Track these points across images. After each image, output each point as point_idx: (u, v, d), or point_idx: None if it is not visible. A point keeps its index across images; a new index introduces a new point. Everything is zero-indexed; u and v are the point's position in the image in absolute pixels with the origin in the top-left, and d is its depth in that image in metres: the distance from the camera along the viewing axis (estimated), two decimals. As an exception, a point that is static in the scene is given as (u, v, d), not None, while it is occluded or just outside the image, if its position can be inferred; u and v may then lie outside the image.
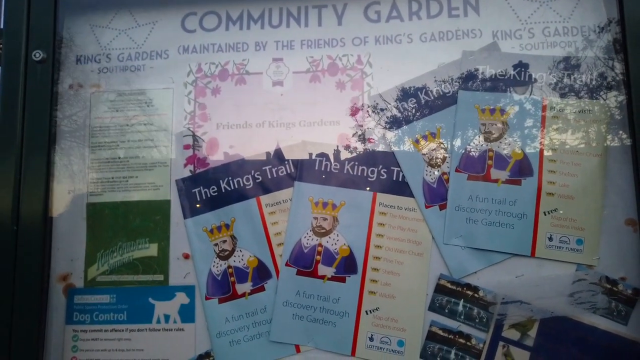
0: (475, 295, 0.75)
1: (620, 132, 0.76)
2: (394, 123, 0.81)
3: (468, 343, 0.74)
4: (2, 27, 0.83)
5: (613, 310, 0.73)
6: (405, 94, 0.82)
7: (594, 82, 0.78)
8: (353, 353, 0.75)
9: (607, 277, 0.74)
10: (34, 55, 0.82)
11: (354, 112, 0.82)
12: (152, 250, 0.81)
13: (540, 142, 0.77)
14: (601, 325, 0.73)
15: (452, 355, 0.73)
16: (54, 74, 0.82)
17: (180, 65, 0.86)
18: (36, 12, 0.83)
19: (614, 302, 0.73)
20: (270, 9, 0.87)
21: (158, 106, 0.85)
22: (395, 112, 0.81)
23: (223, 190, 0.81)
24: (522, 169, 0.77)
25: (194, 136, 0.83)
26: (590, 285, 0.74)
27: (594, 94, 0.77)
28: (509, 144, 0.78)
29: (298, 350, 0.76)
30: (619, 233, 0.74)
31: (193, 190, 0.81)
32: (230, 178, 0.81)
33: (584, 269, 0.74)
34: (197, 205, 0.81)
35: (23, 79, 0.81)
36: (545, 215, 0.75)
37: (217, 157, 0.82)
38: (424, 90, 0.82)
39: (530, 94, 0.79)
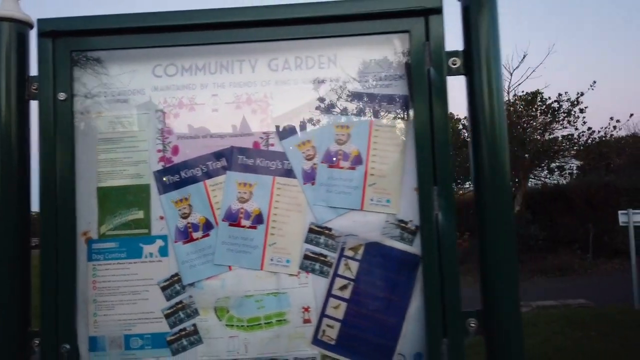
0: (330, 232, 1.32)
1: (412, 137, 1.34)
2: (285, 135, 1.36)
3: (326, 259, 1.31)
4: (36, 73, 1.32)
5: (405, 237, 1.32)
6: (292, 116, 1.37)
7: (399, 109, 1.35)
8: (262, 268, 1.31)
9: (403, 220, 1.33)
10: (59, 95, 1.31)
11: (262, 128, 1.36)
12: (140, 214, 1.34)
13: (368, 145, 1.34)
14: (397, 246, 1.32)
15: (317, 266, 1.31)
16: (72, 108, 1.32)
17: (153, 99, 1.37)
18: (59, 62, 1.33)
19: (405, 233, 1.32)
20: (210, 62, 1.39)
21: (140, 125, 1.36)
22: (285, 127, 1.36)
23: (183, 178, 1.34)
24: (357, 160, 1.34)
25: (163, 144, 1.36)
26: (393, 225, 1.33)
27: (399, 116, 1.35)
28: (350, 146, 1.34)
29: (230, 269, 1.32)
30: (410, 195, 1.33)
31: (164, 178, 1.34)
32: (187, 170, 1.35)
33: (391, 216, 1.33)
34: (167, 187, 1.34)
35: (53, 113, 1.31)
36: (369, 186, 1.33)
37: (178, 158, 1.35)
38: (306, 113, 1.37)
39: (363, 117, 1.35)
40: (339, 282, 1.31)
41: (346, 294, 1.30)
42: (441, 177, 1.29)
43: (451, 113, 20.03)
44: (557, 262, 14.11)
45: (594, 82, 15.24)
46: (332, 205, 1.33)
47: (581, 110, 15.12)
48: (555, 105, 15.22)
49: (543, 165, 16.14)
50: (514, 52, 23.46)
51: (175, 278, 1.32)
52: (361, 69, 1.37)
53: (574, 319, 7.36)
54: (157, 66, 1.38)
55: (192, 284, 1.31)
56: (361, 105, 1.36)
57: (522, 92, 15.89)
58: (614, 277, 11.50)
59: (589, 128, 15.18)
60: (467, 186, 19.35)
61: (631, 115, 19.22)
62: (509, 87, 16.96)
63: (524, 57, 19.99)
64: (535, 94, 15.30)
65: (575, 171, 17.96)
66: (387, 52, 1.37)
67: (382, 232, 1.32)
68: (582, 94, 14.95)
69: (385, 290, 1.30)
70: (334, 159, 1.34)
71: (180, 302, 1.31)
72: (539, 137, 15.61)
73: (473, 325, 1.27)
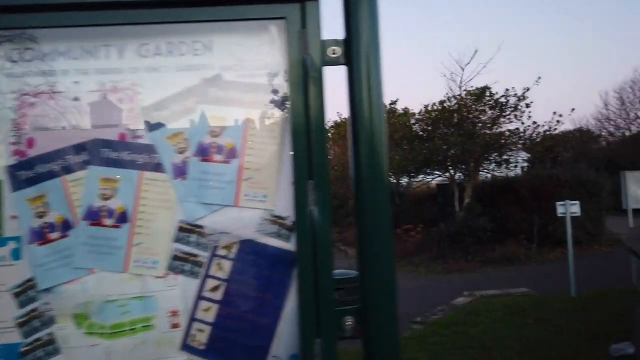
0: (202, 230, 1.24)
1: (290, 130, 1.28)
2: (155, 126, 1.26)
3: (197, 259, 1.23)
4: None
5: (282, 234, 1.26)
6: (163, 106, 1.27)
7: (277, 100, 1.28)
8: (126, 270, 1.22)
9: (280, 215, 1.27)
10: None
11: (129, 119, 1.26)
12: (-9, 214, 1.21)
13: (243, 137, 1.27)
14: (273, 243, 1.26)
15: (187, 267, 1.23)
16: None
17: (6, 86, 1.25)
18: None
19: (282, 229, 1.26)
20: (73, 46, 1.27)
21: (-10, 116, 1.24)
22: (155, 117, 1.27)
23: (39, 173, 1.23)
24: (231, 154, 1.26)
25: (17, 136, 1.23)
26: (270, 221, 1.26)
27: (277, 107, 1.28)
28: (225, 138, 1.26)
29: (92, 272, 1.22)
30: (288, 190, 1.26)
31: (17, 173, 1.22)
32: (44, 164, 1.23)
33: (268, 211, 1.26)
34: (20, 183, 1.22)
35: None
36: (244, 181, 1.26)
37: (34, 151, 1.23)
38: (178, 103, 1.27)
39: (240, 108, 1.28)
40: (211, 283, 1.23)
41: (218, 295, 1.23)
42: (317, 170, 1.24)
43: (405, 108, 20.33)
44: (505, 253, 14.61)
45: (539, 77, 15.76)
46: (204, 201, 1.25)
47: (527, 105, 15.65)
48: (503, 100, 15.69)
49: (491, 158, 16.63)
50: (466, 48, 23.95)
51: (30, 283, 1.20)
52: (238, 57, 1.29)
53: (515, 307, 7.62)
54: (13, 50, 1.26)
55: (48, 289, 1.20)
56: (237, 95, 1.28)
57: (472, 87, 16.29)
58: (556, 266, 12.01)
59: (534, 122, 15.74)
60: (420, 179, 19.71)
61: (572, 109, 20.03)
62: (460, 83, 17.35)
63: (475, 53, 20.45)
64: (484, 89, 15.72)
65: (523, 164, 18.62)
66: (264, 39, 1.29)
67: (258, 229, 1.25)
68: (527, 89, 15.47)
69: (260, 290, 1.24)
70: (208, 152, 1.26)
71: (35, 309, 1.20)
72: (487, 131, 16.06)
73: (349, 323, 1.23)
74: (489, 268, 13.39)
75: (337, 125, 22.52)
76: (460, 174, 17.24)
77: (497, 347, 5.77)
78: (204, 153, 1.26)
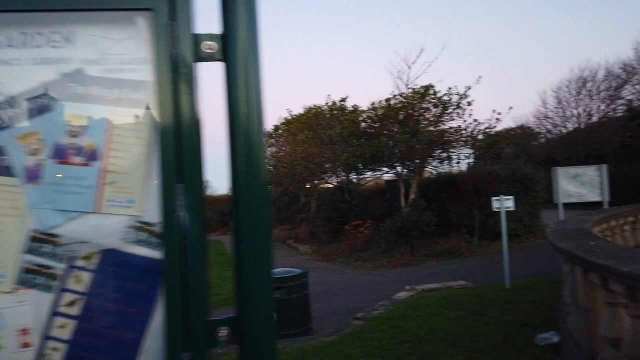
0: (58, 240, 1.13)
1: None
2: (4, 125, 1.14)
3: (51, 272, 1.12)
4: None
5: (151, 242, 1.17)
6: (15, 103, 1.15)
7: (145, 98, 1.19)
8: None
9: (148, 222, 1.18)
10: None
11: (-26, 116, 1.13)
12: None
13: (107, 138, 1.17)
14: (140, 252, 1.17)
15: (40, 281, 1.12)
16: None
17: None
18: None
19: (152, 237, 1.17)
20: None
21: None
22: (3, 115, 1.14)
23: None
24: (93, 156, 1.16)
25: None
26: (137, 228, 1.17)
27: (145, 105, 1.18)
28: (86, 139, 1.16)
29: None
30: (158, 195, 1.18)
31: None
32: None
33: (135, 218, 1.17)
34: None
35: None
36: (108, 185, 1.16)
37: None
38: (33, 100, 1.16)
39: (104, 106, 1.17)
40: (68, 297, 1.13)
41: (75, 310, 1.12)
42: (188, 174, 1.16)
43: (355, 105, 20.48)
44: (448, 246, 15.03)
45: (480, 77, 16.31)
46: (61, 208, 1.14)
47: (469, 104, 16.15)
48: (446, 98, 16.11)
49: (435, 155, 17.06)
50: (412, 47, 24.44)
51: None
52: (102, 51, 1.19)
53: (452, 300, 7.83)
54: None
55: None
56: (101, 92, 1.18)
57: (416, 85, 16.63)
58: (495, 258, 12.48)
59: (476, 120, 16.27)
60: (367, 176, 19.94)
61: (510, 108, 20.88)
62: (407, 81, 17.67)
63: (421, 52, 20.93)
64: (428, 87, 16.08)
65: (466, 161, 19.23)
66: (131, 32, 1.19)
67: (123, 238, 1.16)
68: (469, 88, 15.96)
69: (124, 303, 1.15)
70: (65, 154, 1.15)
71: None
72: (432, 128, 16.45)
73: (223, 334, 1.16)
74: (432, 262, 13.74)
75: (287, 122, 22.41)
76: (406, 170, 17.57)
77: (430, 341, 5.89)
78: (61, 155, 1.15)
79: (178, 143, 1.16)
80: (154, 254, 1.17)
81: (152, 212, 1.17)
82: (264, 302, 1.18)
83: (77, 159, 1.16)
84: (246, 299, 1.18)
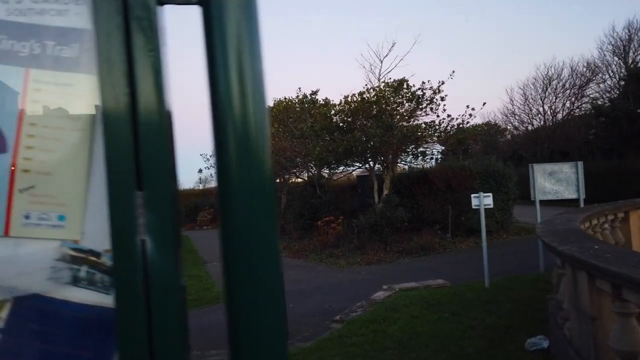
0: (-60, 282, 0.70)
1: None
2: None
3: None
4: None
5: (98, 281, 0.75)
6: None
7: (81, 55, 0.76)
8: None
9: (92, 249, 0.76)
10: None
11: None
12: None
13: (18, 116, 0.73)
14: (80, 297, 0.74)
15: None
16: None
17: None
18: None
19: (97, 273, 0.75)
20: None
21: None
22: None
23: None
24: (-5, 145, 0.72)
25: None
26: (71, 260, 0.74)
27: (80, 67, 0.76)
28: (-16, 119, 0.72)
29: None
30: (105, 207, 0.75)
31: None
32: None
33: (69, 243, 0.75)
34: None
35: None
36: (22, 192, 0.73)
37: None
38: None
39: (12, 65, 0.74)
40: (-47, 375, 0.69)
41: (-33, 397, 0.69)
42: (153, 174, 0.74)
43: (326, 98, 20.08)
44: (421, 243, 14.91)
45: (453, 71, 16.18)
46: (-58, 230, 0.70)
47: (442, 99, 16.02)
48: (420, 93, 15.93)
49: (408, 150, 16.89)
50: (384, 40, 24.16)
51: None
52: (13, -21, 0.75)
53: (432, 300, 7.59)
54: None
55: None
56: (7, 45, 0.74)
57: (390, 79, 16.39)
58: (470, 255, 12.40)
59: (449, 115, 16.17)
60: (340, 171, 19.63)
61: (484, 104, 21.05)
62: (379, 75, 17.43)
63: (392, 45, 20.72)
64: (402, 81, 15.85)
65: (437, 156, 19.21)
66: (61, -50, 0.76)
67: (50, 276, 0.73)
68: (443, 83, 15.82)
69: (50, 380, 0.72)
70: (-50, 141, 0.71)
71: None
72: (405, 123, 16.26)
73: None
74: (406, 258, 13.55)
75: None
76: (379, 165, 17.34)
77: (414, 346, 5.60)
78: (-57, 144, 0.71)
79: (134, 126, 0.74)
80: (101, 299, 0.75)
81: (96, 235, 0.75)
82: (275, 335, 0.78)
83: (-29, 151, 0.72)
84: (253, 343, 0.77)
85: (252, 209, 0.78)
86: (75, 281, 0.74)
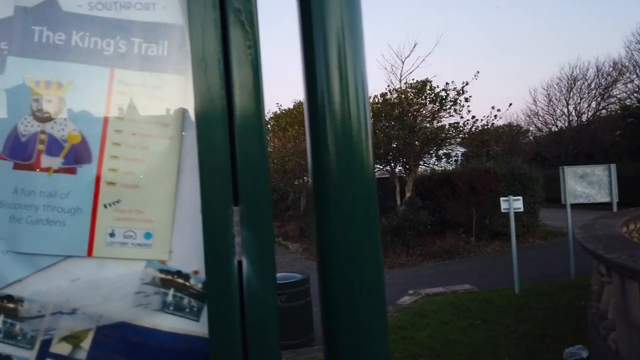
0: (20, 307, 0.63)
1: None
2: None
3: (4, 366, 0.61)
4: None
5: (188, 307, 0.67)
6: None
7: (170, 54, 0.68)
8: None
9: (180, 271, 0.68)
10: None
11: None
12: None
13: (103, 122, 0.66)
14: (169, 326, 0.66)
15: (-17, 384, 0.61)
16: None
17: None
18: None
19: (187, 297, 0.67)
20: None
21: None
22: None
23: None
24: (78, 154, 0.65)
25: None
26: (160, 283, 0.67)
27: (169, 67, 0.68)
28: (65, 125, 0.65)
29: None
30: (194, 223, 0.67)
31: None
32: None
33: (156, 264, 0.67)
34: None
35: None
36: (105, 208, 0.65)
37: None
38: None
39: (96, 66, 0.66)
40: (34, 413, 0.62)
41: None
42: (249, 189, 0.65)
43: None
44: (445, 246, 14.68)
45: (478, 72, 15.90)
46: (22, 249, 0.63)
47: (466, 100, 15.75)
48: (443, 94, 15.70)
49: (432, 152, 16.66)
50: (406, 41, 23.91)
51: None
52: (95, -30, 0.68)
53: (460, 306, 7.40)
54: None
55: None
56: (92, 42, 0.67)
57: (413, 80, 16.21)
58: (496, 260, 12.12)
59: (473, 117, 15.89)
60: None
61: (510, 104, 20.65)
62: (400, 76, 17.27)
63: (414, 46, 20.48)
64: (425, 82, 15.65)
65: (460, 158, 18.93)
66: (147, -62, 0.69)
67: (135, 301, 0.66)
68: (467, 84, 15.56)
69: (138, 419, 0.64)
70: (28, 150, 0.64)
71: None
72: (428, 124, 16.04)
73: None
74: (430, 262, 13.32)
75: (276, 117, 21.76)
76: (400, 167, 17.13)
77: (447, 355, 5.45)
78: (20, 152, 0.64)
79: (231, 133, 0.65)
80: (190, 327, 0.67)
81: (184, 254, 0.67)
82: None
83: (52, 161, 0.64)
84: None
85: (352, 212, 0.69)
86: (163, 307, 0.66)
